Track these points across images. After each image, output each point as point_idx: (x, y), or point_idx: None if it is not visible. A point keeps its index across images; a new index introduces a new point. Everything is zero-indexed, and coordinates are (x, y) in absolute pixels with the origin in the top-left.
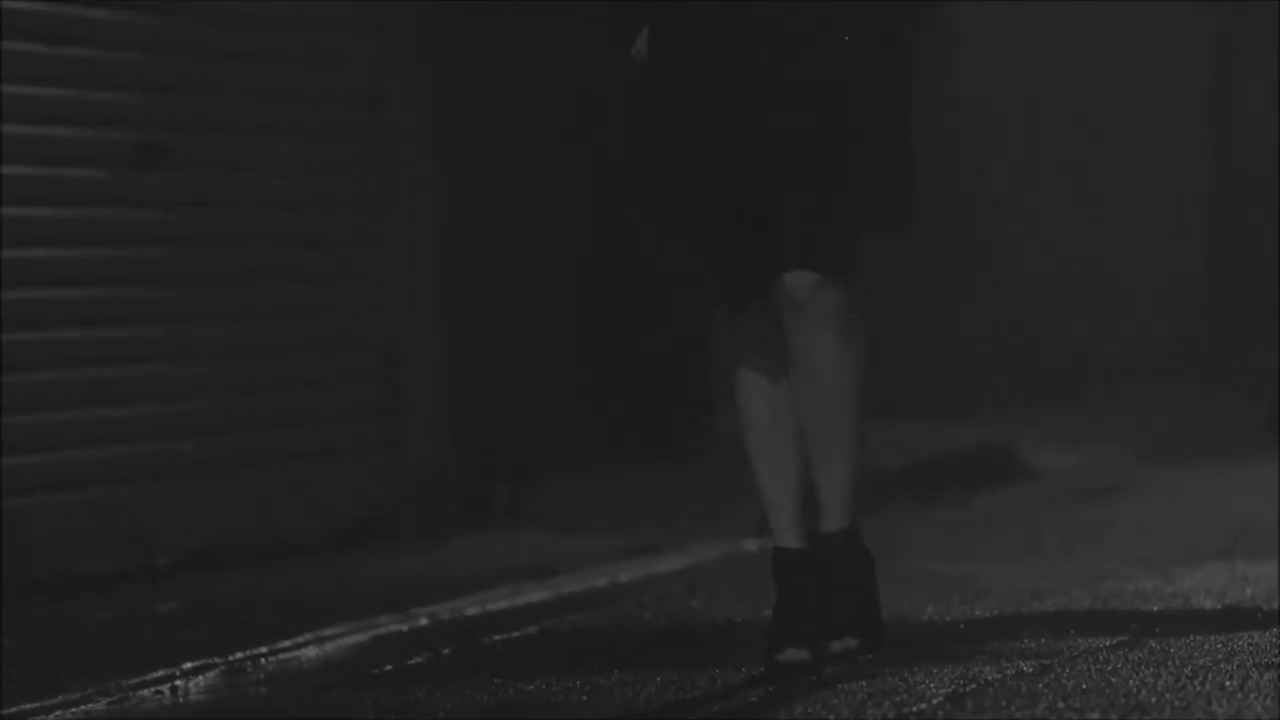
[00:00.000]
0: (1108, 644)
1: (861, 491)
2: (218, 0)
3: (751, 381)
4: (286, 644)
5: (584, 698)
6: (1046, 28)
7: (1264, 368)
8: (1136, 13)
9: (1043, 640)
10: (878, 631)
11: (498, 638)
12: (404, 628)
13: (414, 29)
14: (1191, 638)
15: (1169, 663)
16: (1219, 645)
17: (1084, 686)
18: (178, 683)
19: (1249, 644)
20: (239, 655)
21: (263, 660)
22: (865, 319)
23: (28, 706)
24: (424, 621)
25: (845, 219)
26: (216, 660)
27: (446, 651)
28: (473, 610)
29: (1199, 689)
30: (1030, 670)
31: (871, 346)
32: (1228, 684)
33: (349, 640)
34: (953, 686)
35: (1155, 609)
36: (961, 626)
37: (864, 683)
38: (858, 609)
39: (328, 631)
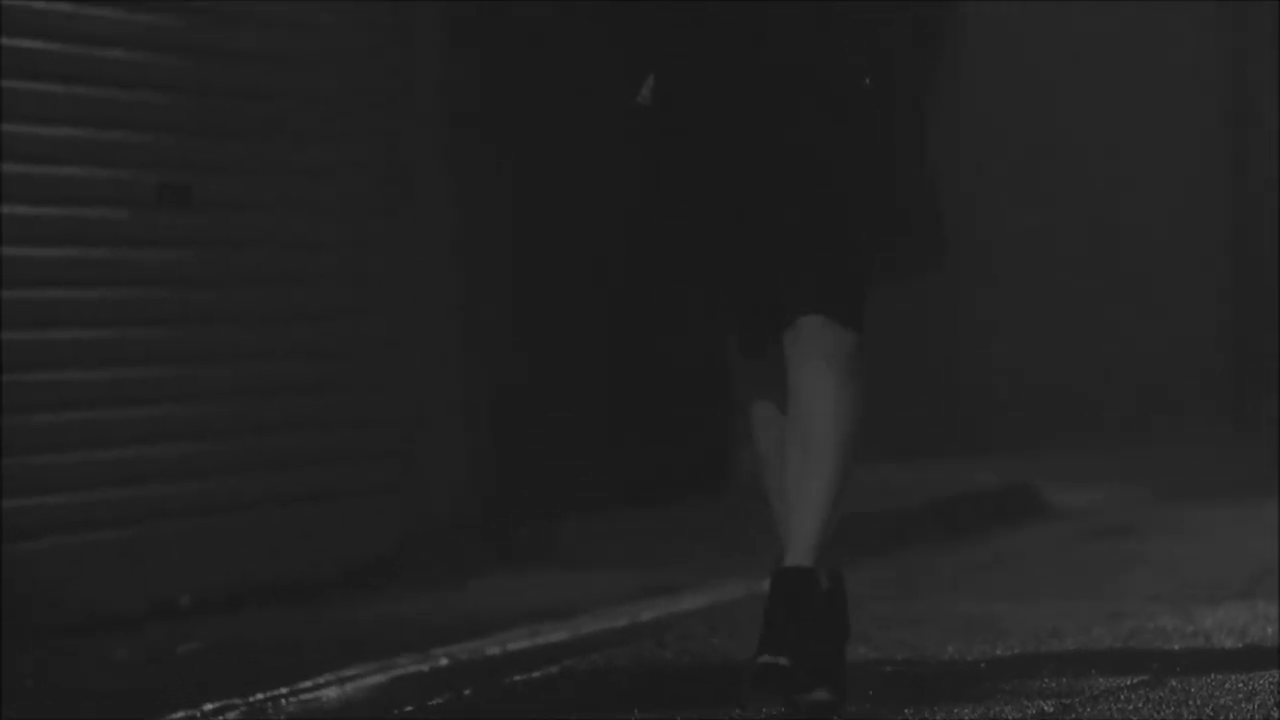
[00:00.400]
0: (1129, 683)
1: (834, 536)
2: (237, 40)
3: (766, 422)
4: (307, 685)
5: None
6: (1061, 62)
7: None
8: (1149, 37)
9: (1064, 680)
10: (843, 683)
11: (518, 678)
12: (425, 668)
13: (435, 66)
14: (1213, 677)
15: (1190, 702)
16: (1240, 684)
17: None
18: None
19: (1270, 683)
20: (259, 696)
21: (283, 701)
22: (866, 366)
23: None
24: (444, 662)
25: (857, 266)
26: (237, 701)
27: (467, 692)
28: (493, 650)
29: None
30: (1051, 710)
31: (869, 394)
32: None
33: (369, 681)
34: None
35: (1176, 648)
36: (982, 665)
37: None
38: (829, 659)
39: (348, 672)
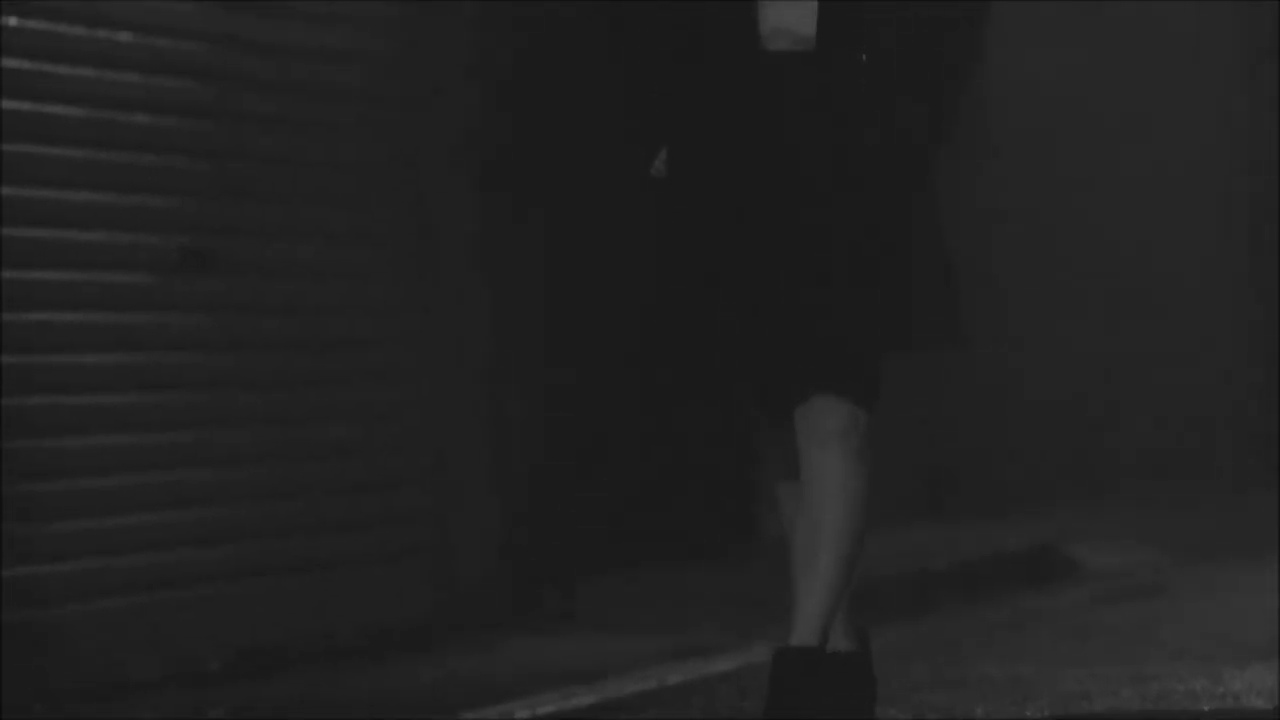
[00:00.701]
0: None
1: (861, 598)
2: (260, 105)
3: (788, 494)
4: None
5: None
6: (1084, 130)
7: None
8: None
9: None
10: None
11: None
12: None
13: (464, 127)
14: None
15: None
16: None
17: None
18: None
19: None
20: None
21: None
22: (874, 447)
23: None
24: None
25: (868, 344)
26: None
27: None
28: (522, 714)
29: None
30: None
31: (876, 472)
32: None
33: None
34: None
35: (1205, 709)
36: None
37: None
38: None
39: None
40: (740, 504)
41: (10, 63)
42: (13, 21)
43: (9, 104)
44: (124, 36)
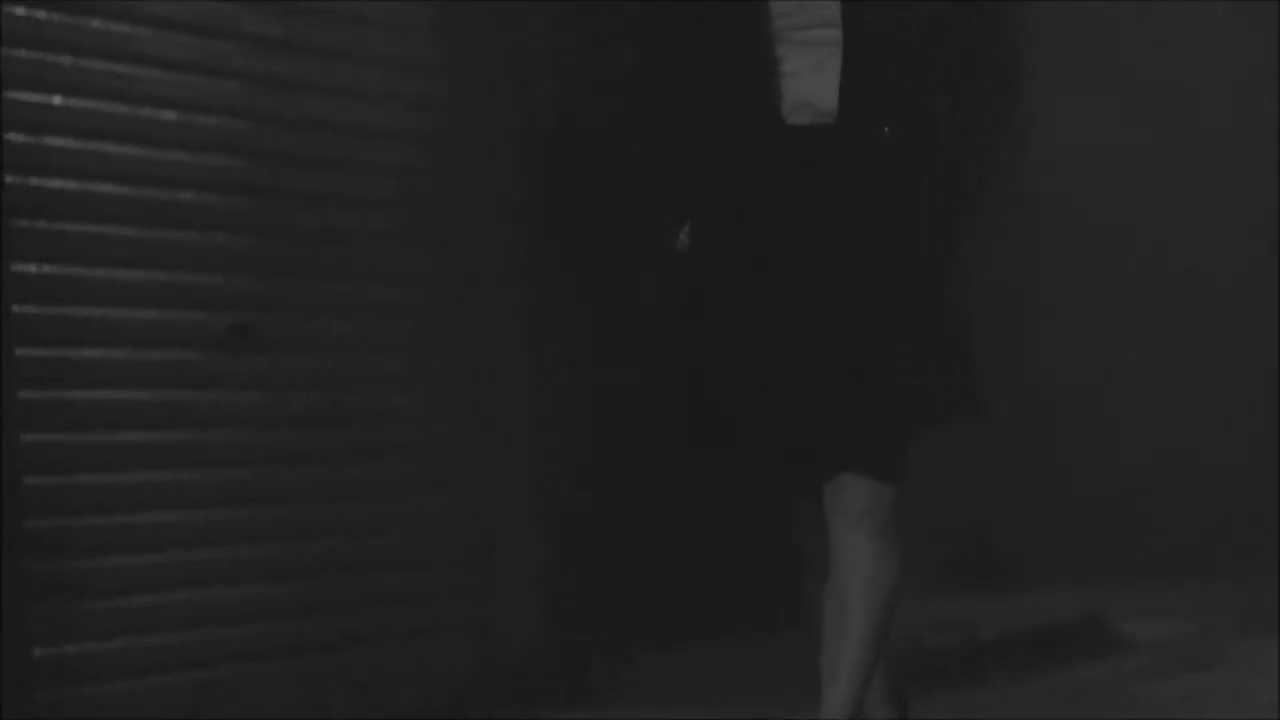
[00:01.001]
0: None
1: (861, 689)
2: (303, 181)
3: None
4: None
5: None
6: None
7: None
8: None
9: None
10: None
11: None
12: None
13: (502, 206)
14: None
15: None
16: None
17: None
18: None
19: None
20: None
21: None
22: (901, 524)
23: None
24: None
25: (893, 425)
26: None
27: None
28: None
29: None
30: None
31: (916, 544)
32: None
33: None
34: None
35: None
36: None
37: None
38: None
39: None
40: (787, 577)
41: (56, 141)
42: (57, 100)
43: (55, 182)
44: (169, 115)
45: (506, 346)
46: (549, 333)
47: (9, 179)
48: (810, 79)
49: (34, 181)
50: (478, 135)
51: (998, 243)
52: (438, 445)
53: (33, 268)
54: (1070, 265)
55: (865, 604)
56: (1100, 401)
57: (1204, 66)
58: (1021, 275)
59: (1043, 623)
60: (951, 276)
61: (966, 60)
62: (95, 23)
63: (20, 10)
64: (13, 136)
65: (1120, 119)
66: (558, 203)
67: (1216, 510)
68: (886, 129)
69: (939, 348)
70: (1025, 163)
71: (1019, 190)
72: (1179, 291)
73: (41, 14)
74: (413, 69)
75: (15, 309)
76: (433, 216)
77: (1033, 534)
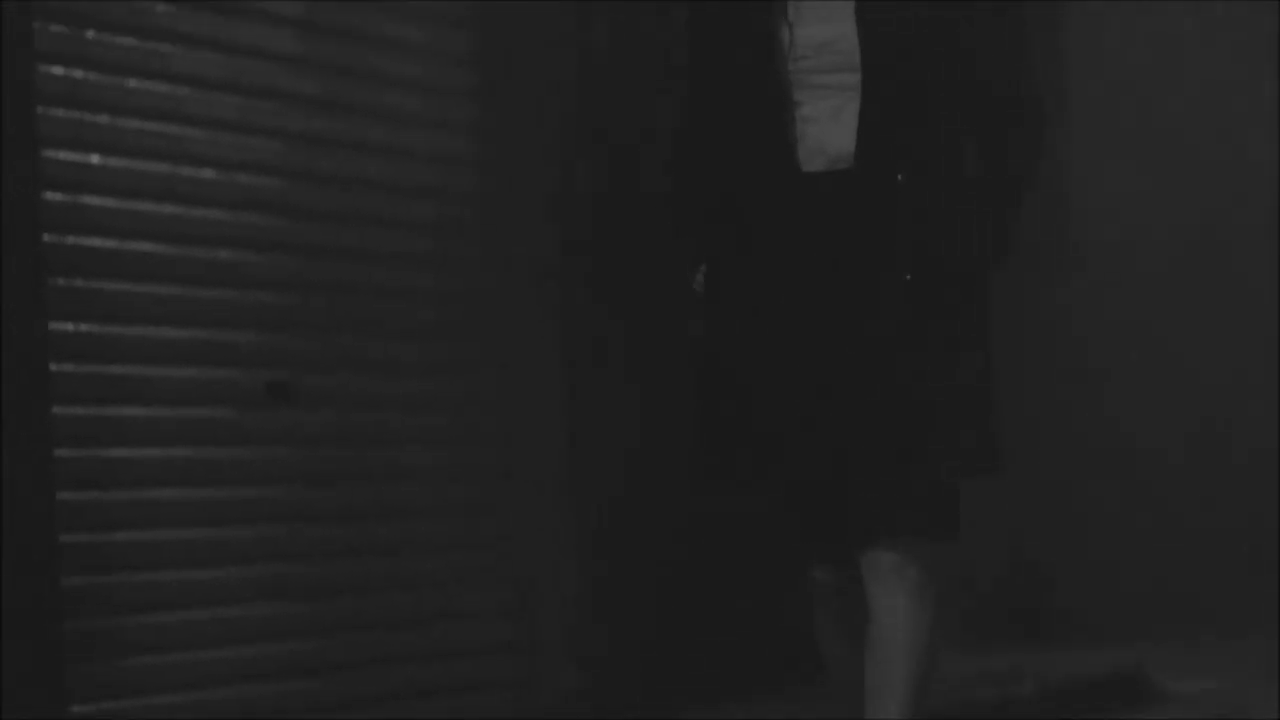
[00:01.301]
0: None
1: None
2: (340, 238)
3: (831, 637)
4: None
5: None
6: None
7: None
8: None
9: None
10: None
11: None
12: None
13: (541, 259)
14: None
15: None
16: None
17: None
18: None
19: None
20: None
21: None
22: (938, 578)
23: None
24: None
25: (924, 477)
26: None
27: None
28: None
29: None
30: None
31: (952, 598)
32: None
33: None
34: None
35: None
36: None
37: None
38: None
39: None
40: (806, 629)
41: (93, 199)
42: (95, 159)
43: (93, 241)
44: (206, 173)
45: (544, 408)
46: (588, 401)
47: (47, 237)
48: (827, 125)
49: (71, 240)
50: (515, 196)
51: (1043, 294)
52: (475, 502)
53: (70, 326)
54: (1113, 316)
55: (906, 664)
56: (1136, 456)
57: (1245, 114)
58: (1066, 325)
59: (1080, 676)
60: (975, 325)
61: (991, 107)
62: (132, 82)
63: (58, 70)
64: (51, 195)
65: (1158, 169)
66: (598, 266)
67: (1255, 562)
68: (900, 176)
69: (963, 399)
70: (1065, 211)
71: (1060, 239)
72: (1222, 341)
73: (79, 73)
74: (450, 129)
75: (54, 367)
76: (469, 274)
77: (1070, 588)
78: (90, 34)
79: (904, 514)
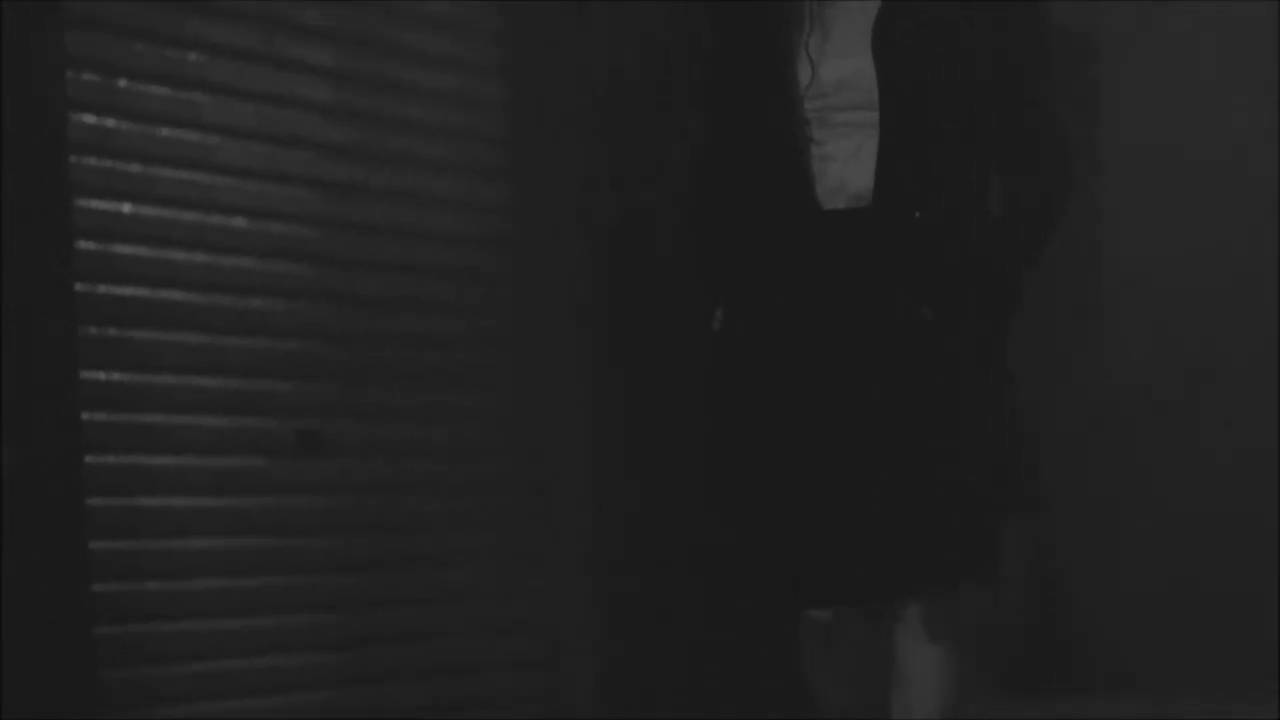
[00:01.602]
0: None
1: None
2: (373, 287)
3: (826, 686)
4: None
5: None
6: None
7: None
8: None
9: None
10: None
11: None
12: None
13: (575, 304)
14: None
15: None
16: None
17: None
18: None
19: None
20: None
21: None
22: (965, 629)
23: None
24: None
25: (966, 534)
26: None
27: None
28: None
29: None
30: None
31: (985, 648)
32: None
33: None
34: None
35: None
36: None
37: None
38: None
39: None
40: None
41: (125, 248)
42: (126, 208)
43: (125, 290)
44: (237, 222)
45: (571, 458)
46: (616, 438)
47: (79, 286)
48: (848, 162)
49: (103, 289)
50: (550, 237)
51: (1074, 350)
52: (503, 553)
53: (102, 375)
54: (1146, 368)
55: (938, 708)
56: (1164, 510)
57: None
58: (1099, 376)
59: None
60: (1001, 363)
61: (1013, 144)
62: (164, 131)
63: (89, 119)
64: (83, 244)
65: (1195, 218)
66: (625, 315)
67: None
68: (917, 214)
69: (989, 444)
70: (1099, 261)
71: (1096, 288)
72: (1262, 387)
73: (110, 122)
74: (485, 177)
75: (85, 416)
76: (503, 319)
77: (1099, 635)
78: (122, 83)
79: (941, 561)
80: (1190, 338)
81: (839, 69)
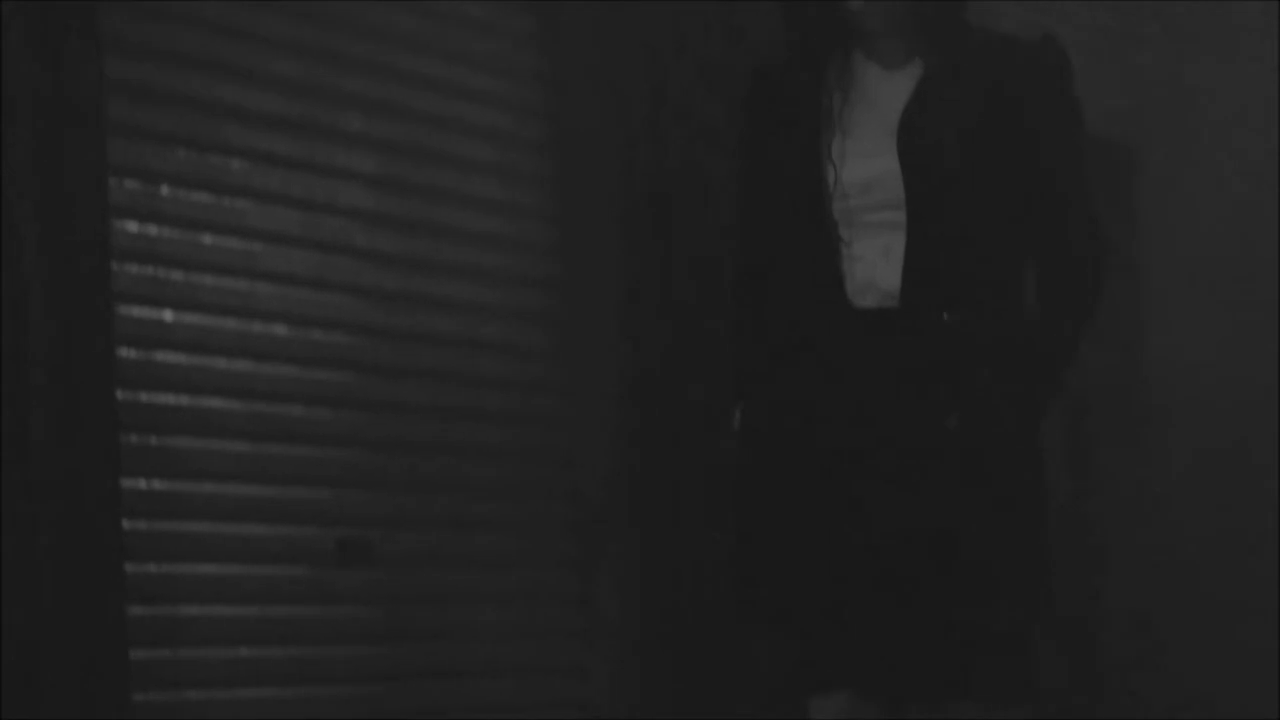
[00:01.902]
0: None
1: None
2: (414, 394)
3: None
4: None
5: None
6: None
7: None
8: None
9: None
10: None
11: None
12: None
13: (609, 399)
14: None
15: None
16: None
17: None
18: None
19: None
20: None
21: None
22: None
23: None
24: None
25: (1000, 648)
26: None
27: None
28: None
29: None
30: None
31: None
32: None
33: None
34: None
35: None
36: None
37: None
38: None
39: None
40: None
41: (167, 356)
42: (168, 315)
43: (166, 398)
44: (279, 329)
45: (621, 565)
46: (658, 529)
47: (121, 394)
48: (877, 262)
49: (145, 397)
50: (587, 340)
51: (1120, 456)
52: (547, 663)
53: (143, 483)
54: (1196, 474)
55: None
56: (1202, 543)
57: None
58: (1147, 481)
59: None
60: (1029, 470)
61: (1045, 241)
62: (207, 238)
63: (132, 226)
64: (125, 352)
65: (1241, 326)
66: (660, 420)
67: None
68: (945, 316)
69: (1023, 552)
70: (1142, 372)
71: (1144, 399)
72: None
73: (153, 230)
74: (527, 285)
75: (126, 524)
76: (548, 429)
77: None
78: (164, 190)
79: (973, 674)
80: (1232, 454)
81: (864, 170)
